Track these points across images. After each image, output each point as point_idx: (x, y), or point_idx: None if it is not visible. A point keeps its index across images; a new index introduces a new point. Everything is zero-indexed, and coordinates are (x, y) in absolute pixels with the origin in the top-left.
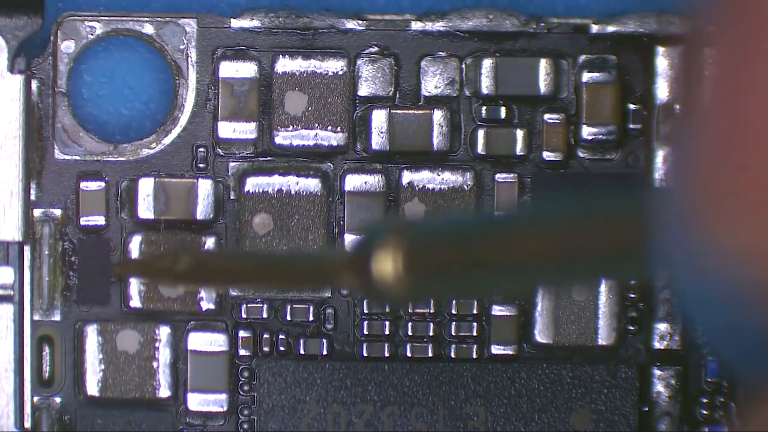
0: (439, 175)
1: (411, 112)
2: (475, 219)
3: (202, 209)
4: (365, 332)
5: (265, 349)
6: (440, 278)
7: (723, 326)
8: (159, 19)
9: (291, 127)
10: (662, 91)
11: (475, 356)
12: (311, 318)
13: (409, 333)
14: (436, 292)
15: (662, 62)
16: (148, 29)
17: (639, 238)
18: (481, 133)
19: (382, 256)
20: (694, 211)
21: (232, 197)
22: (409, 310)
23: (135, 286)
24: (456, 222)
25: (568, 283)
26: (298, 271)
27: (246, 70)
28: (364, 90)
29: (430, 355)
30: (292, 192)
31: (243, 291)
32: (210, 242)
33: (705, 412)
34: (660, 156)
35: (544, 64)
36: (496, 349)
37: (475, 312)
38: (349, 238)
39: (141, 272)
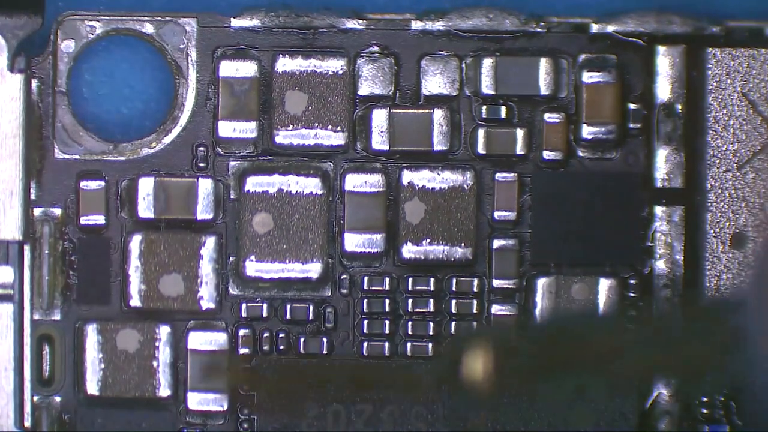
0: (439, 175)
1: (411, 111)
2: (562, 321)
3: (202, 208)
4: (365, 331)
5: (265, 347)
6: (529, 380)
7: None
8: (159, 18)
9: (291, 126)
10: (662, 90)
11: None
12: (311, 317)
13: (409, 332)
14: (525, 393)
15: (662, 62)
16: (148, 29)
17: (723, 349)
18: (481, 132)
19: (473, 359)
20: None
21: (232, 196)
22: (409, 311)
23: (135, 285)
24: (543, 324)
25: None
26: (387, 378)
27: (246, 69)
28: (364, 89)
29: (430, 354)
30: (293, 191)
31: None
32: (210, 241)
33: (705, 411)
34: (660, 155)
35: (544, 64)
36: None
37: (474, 311)
38: (349, 238)
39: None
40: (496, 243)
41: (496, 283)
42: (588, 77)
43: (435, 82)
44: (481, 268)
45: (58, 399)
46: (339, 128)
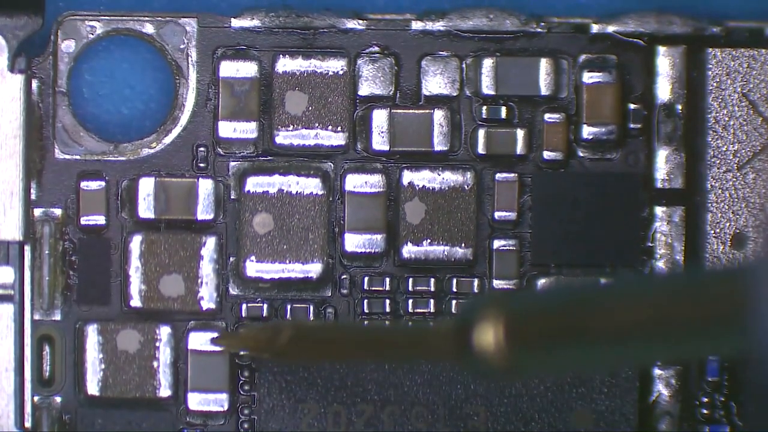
0: (439, 175)
1: (411, 111)
2: (576, 290)
3: (203, 209)
4: None
5: None
6: (541, 350)
7: None
8: (159, 18)
9: (291, 126)
10: (662, 90)
11: None
12: (311, 317)
13: None
14: (536, 365)
15: (662, 62)
16: (149, 29)
17: (739, 311)
18: (481, 132)
19: (484, 328)
20: None
21: (232, 197)
22: (410, 310)
23: (135, 285)
24: (557, 293)
25: (670, 356)
26: (400, 344)
27: (246, 69)
28: (364, 89)
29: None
30: (293, 192)
31: (341, 361)
32: (210, 242)
33: (705, 411)
34: (660, 155)
35: (544, 64)
36: None
37: None
38: (349, 238)
39: (242, 345)
40: (497, 243)
41: (496, 283)
42: (588, 77)
43: (435, 82)
44: (482, 268)
45: (58, 399)
46: (339, 128)
